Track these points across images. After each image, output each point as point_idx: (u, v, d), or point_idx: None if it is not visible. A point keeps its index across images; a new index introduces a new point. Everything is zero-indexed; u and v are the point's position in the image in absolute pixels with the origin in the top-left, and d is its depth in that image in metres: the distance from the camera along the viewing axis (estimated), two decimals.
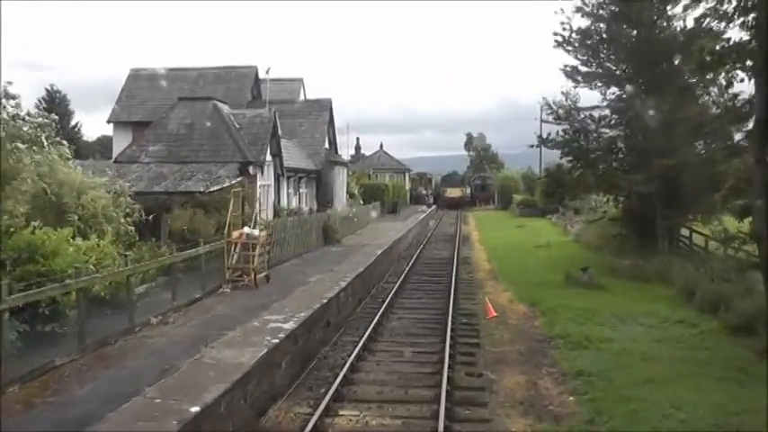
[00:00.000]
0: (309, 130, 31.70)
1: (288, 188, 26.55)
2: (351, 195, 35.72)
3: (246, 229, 14.43)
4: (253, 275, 14.03)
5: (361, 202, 37.14)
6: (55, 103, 40.91)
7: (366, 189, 41.27)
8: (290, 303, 12.54)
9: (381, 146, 70.40)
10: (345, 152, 57.25)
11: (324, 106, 32.66)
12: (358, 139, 68.66)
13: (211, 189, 17.96)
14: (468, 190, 74.26)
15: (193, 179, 19.04)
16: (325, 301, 12.75)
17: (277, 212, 23.56)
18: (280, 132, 29.36)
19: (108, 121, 31.96)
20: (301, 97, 35.88)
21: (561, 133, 23.99)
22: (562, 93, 24.56)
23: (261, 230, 14.93)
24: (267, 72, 31.87)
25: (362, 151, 69.90)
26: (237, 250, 14.52)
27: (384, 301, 16.54)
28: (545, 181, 49.35)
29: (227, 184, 18.36)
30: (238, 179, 20.04)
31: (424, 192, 71.17)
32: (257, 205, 21.37)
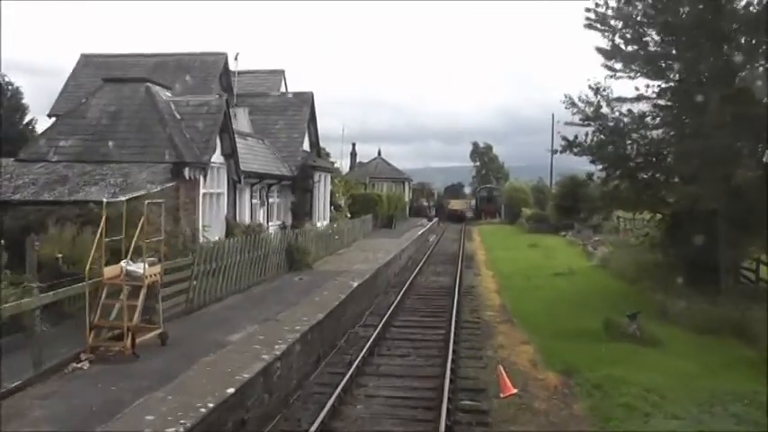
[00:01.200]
0: (286, 128, 26.57)
1: (251, 198, 21.46)
2: (336, 207, 30.49)
3: (125, 264, 9.23)
4: (129, 339, 8.77)
5: (349, 216, 31.90)
6: (5, 95, 35.94)
7: (356, 200, 36.00)
8: (166, 399, 7.30)
9: (379, 153, 65.36)
10: (342, 162, 52.29)
11: (304, 101, 27.48)
12: (354, 144, 62.93)
13: (120, 198, 12.83)
14: (473, 202, 69.76)
15: (100, 185, 13.98)
16: (231, 390, 7.54)
17: (231, 229, 18.46)
18: (248, 129, 24.45)
19: (49, 115, 26.90)
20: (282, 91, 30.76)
21: (597, 134, 18.85)
22: (590, 87, 19.53)
23: (152, 264, 9.68)
24: (236, 59, 27.05)
25: (360, 159, 64.78)
26: (122, 296, 9.37)
27: (351, 365, 11.47)
28: (560, 193, 44.65)
29: (143, 192, 13.31)
30: (168, 185, 15.02)
31: (426, 203, 66.28)
32: (196, 220, 16.47)
